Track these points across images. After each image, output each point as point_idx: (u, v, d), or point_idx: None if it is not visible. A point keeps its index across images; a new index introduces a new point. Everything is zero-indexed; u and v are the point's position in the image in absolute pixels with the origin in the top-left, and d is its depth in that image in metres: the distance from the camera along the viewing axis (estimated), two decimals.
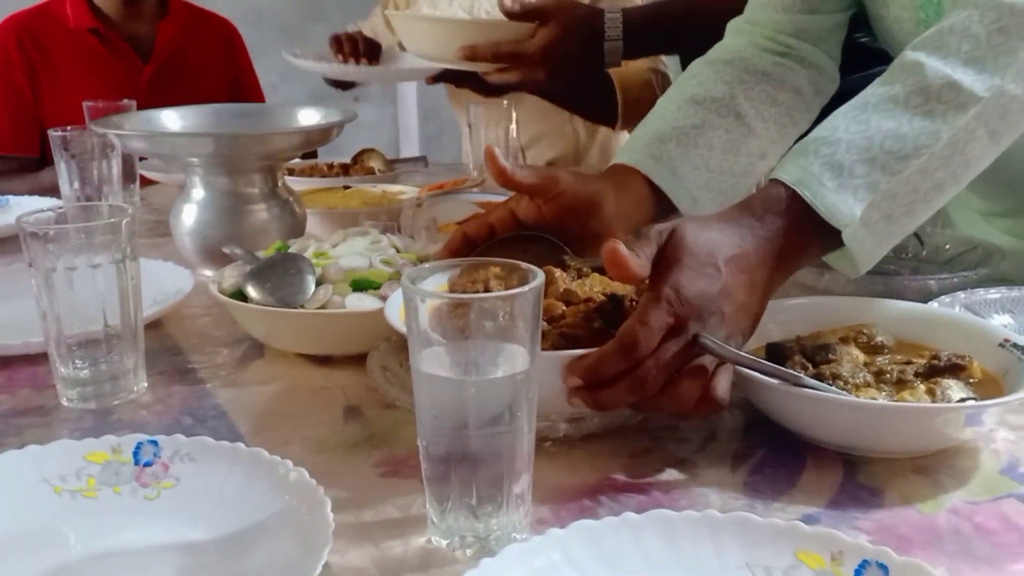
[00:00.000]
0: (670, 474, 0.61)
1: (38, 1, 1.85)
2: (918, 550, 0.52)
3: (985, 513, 0.56)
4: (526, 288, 0.50)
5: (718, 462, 0.62)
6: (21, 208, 1.31)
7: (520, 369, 0.52)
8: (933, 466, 0.61)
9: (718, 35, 0.97)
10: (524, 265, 0.54)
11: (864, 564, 0.47)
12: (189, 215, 1.01)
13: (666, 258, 0.59)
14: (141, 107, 1.18)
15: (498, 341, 0.52)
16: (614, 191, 0.78)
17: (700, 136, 0.82)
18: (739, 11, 0.97)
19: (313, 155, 1.72)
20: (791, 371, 0.61)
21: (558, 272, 0.70)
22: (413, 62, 1.39)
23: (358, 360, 0.75)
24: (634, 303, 0.69)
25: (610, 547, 0.49)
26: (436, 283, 0.58)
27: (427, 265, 0.56)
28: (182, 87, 1.80)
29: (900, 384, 0.64)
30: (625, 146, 0.87)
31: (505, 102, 1.43)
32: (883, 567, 0.47)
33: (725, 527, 0.50)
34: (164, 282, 0.93)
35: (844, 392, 0.61)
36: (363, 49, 1.50)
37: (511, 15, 1.10)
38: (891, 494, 0.58)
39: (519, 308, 0.51)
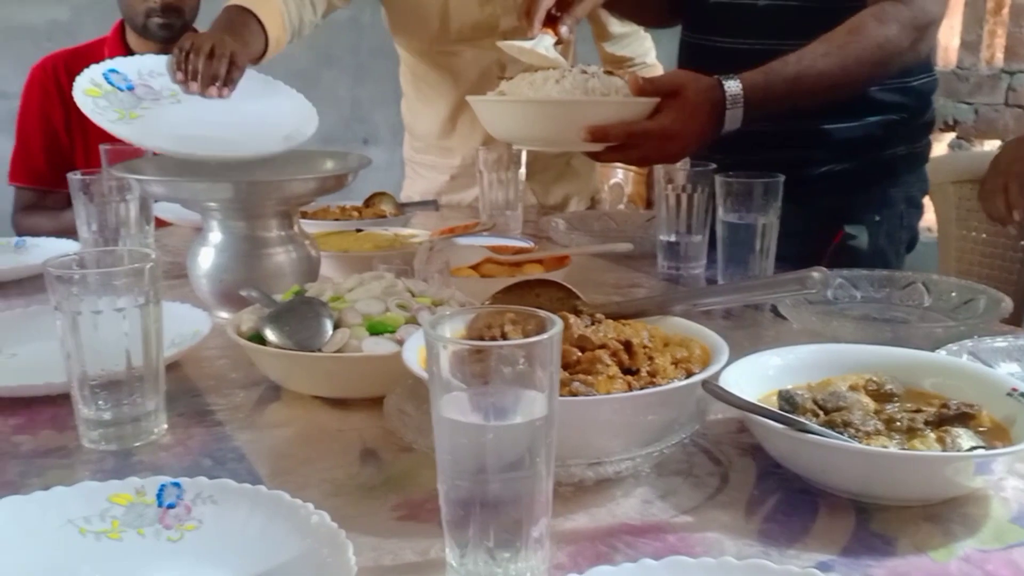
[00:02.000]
0: (684, 520, 0.62)
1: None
2: None
3: (996, 561, 0.56)
4: (545, 336, 0.52)
5: (732, 509, 0.63)
6: (38, 249, 1.33)
7: (539, 415, 0.53)
8: (944, 514, 0.61)
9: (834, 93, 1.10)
10: (541, 312, 0.55)
11: None
12: (206, 258, 1.03)
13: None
14: None
15: (517, 387, 0.53)
16: None
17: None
18: (848, 77, 1.10)
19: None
20: (800, 419, 0.62)
21: (572, 318, 0.72)
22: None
23: (374, 403, 0.76)
24: (647, 347, 0.70)
25: None
26: (454, 328, 0.60)
27: (447, 311, 0.57)
28: None
29: (910, 432, 0.65)
30: None
31: (514, 147, 1.46)
32: None
33: (741, 574, 0.51)
34: (181, 324, 0.94)
35: (854, 440, 0.62)
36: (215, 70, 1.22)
37: (643, 92, 1.04)
38: (903, 542, 0.59)
39: (538, 355, 0.52)
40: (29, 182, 1.93)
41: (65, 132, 1.89)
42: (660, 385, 0.66)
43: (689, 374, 0.67)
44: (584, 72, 1.08)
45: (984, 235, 1.66)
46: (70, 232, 1.29)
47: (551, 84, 1.07)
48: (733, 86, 1.05)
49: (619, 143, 1.04)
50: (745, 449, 0.71)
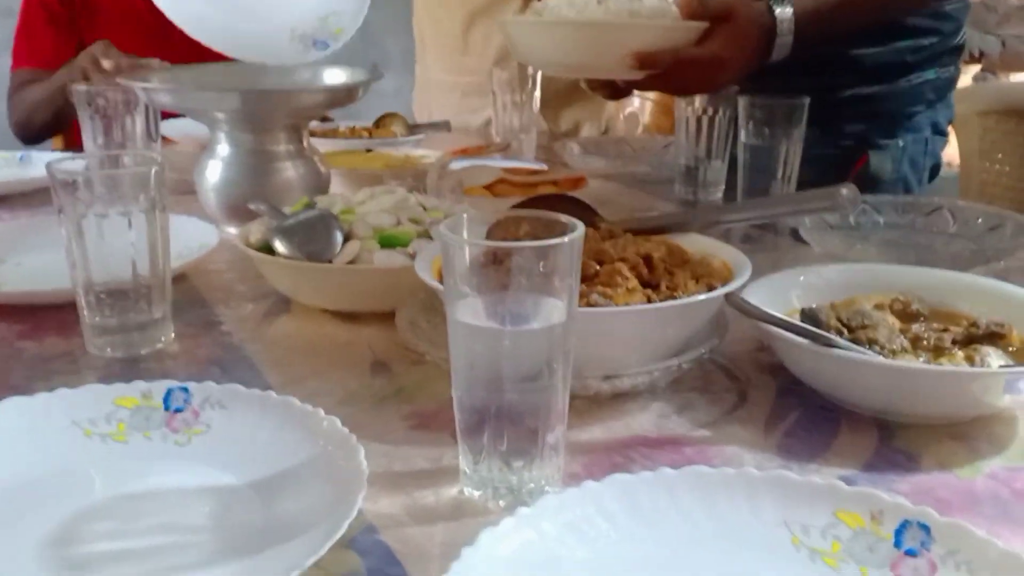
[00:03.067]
0: (702, 434, 0.61)
1: None
2: (956, 513, 0.51)
3: (1023, 479, 0.55)
4: (566, 238, 0.50)
5: (750, 424, 0.62)
6: (43, 163, 1.30)
7: (557, 322, 0.51)
8: (970, 433, 0.60)
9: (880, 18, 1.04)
10: (563, 218, 0.53)
11: (905, 524, 0.46)
12: (214, 172, 1.01)
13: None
14: (176, 63, 1.18)
15: (536, 294, 0.51)
16: None
17: None
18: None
19: (325, 119, 1.68)
20: (824, 332, 0.60)
21: (590, 232, 0.69)
22: None
23: (384, 317, 0.75)
24: (665, 263, 0.68)
25: (645, 502, 0.49)
26: (471, 235, 0.57)
27: (464, 217, 0.55)
28: None
29: (937, 351, 0.63)
30: None
31: (530, 68, 1.42)
32: (924, 527, 0.46)
33: (762, 485, 0.50)
34: (188, 237, 0.92)
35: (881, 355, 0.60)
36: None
37: (693, 15, 0.96)
38: (928, 459, 0.57)
39: (558, 259, 0.50)
40: (32, 63, 1.86)
41: (67, 9, 1.82)
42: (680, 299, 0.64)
43: (710, 289, 0.65)
44: None
45: (1008, 167, 1.62)
46: (61, 96, 1.24)
47: (593, 5, 0.98)
48: (785, 13, 0.98)
49: (664, 71, 0.95)
50: (764, 367, 0.70)
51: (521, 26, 1.01)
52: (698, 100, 1.17)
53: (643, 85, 1.00)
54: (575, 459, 0.57)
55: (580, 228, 0.51)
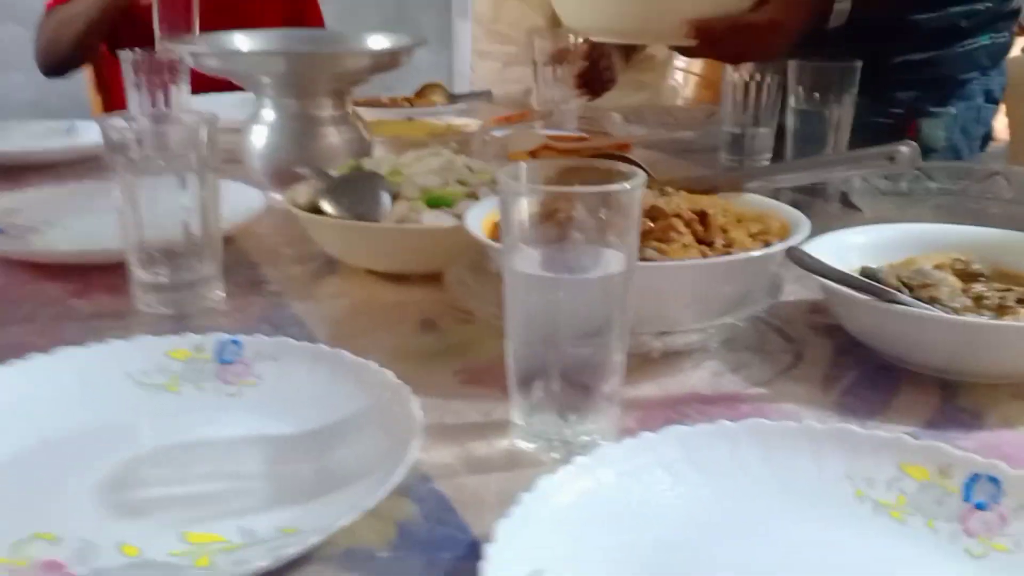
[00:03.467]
0: (758, 392, 0.59)
1: None
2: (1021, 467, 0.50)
3: None
4: (627, 185, 0.49)
5: (807, 383, 0.61)
6: (90, 133, 1.31)
7: (616, 271, 0.50)
8: None
9: None
10: (623, 167, 0.52)
11: (975, 478, 0.45)
12: (259, 137, 1.01)
13: None
14: (202, 28, 1.18)
15: (594, 245, 0.50)
16: None
17: None
18: None
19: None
20: (887, 288, 0.59)
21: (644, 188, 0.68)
22: None
23: (431, 279, 0.74)
24: (720, 220, 0.67)
25: (704, 453, 0.48)
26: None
27: (523, 165, 0.54)
28: (243, 9, 1.78)
29: (1001, 309, 0.61)
30: None
31: (572, 38, 1.40)
32: (995, 480, 0.45)
33: (824, 437, 0.48)
34: (236, 202, 0.92)
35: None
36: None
37: None
38: (992, 417, 0.56)
39: (619, 206, 0.49)
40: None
41: None
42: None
43: (767, 246, 0.64)
44: None
45: None
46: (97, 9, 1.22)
47: None
48: None
49: (718, 37, 0.91)
50: (819, 329, 0.68)
51: None
52: (746, 65, 1.14)
53: (696, 52, 0.97)
54: (629, 414, 0.56)
55: (641, 176, 0.50)
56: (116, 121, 0.71)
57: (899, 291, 0.62)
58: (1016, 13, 1.28)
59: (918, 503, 0.46)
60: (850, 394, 0.59)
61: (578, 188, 0.48)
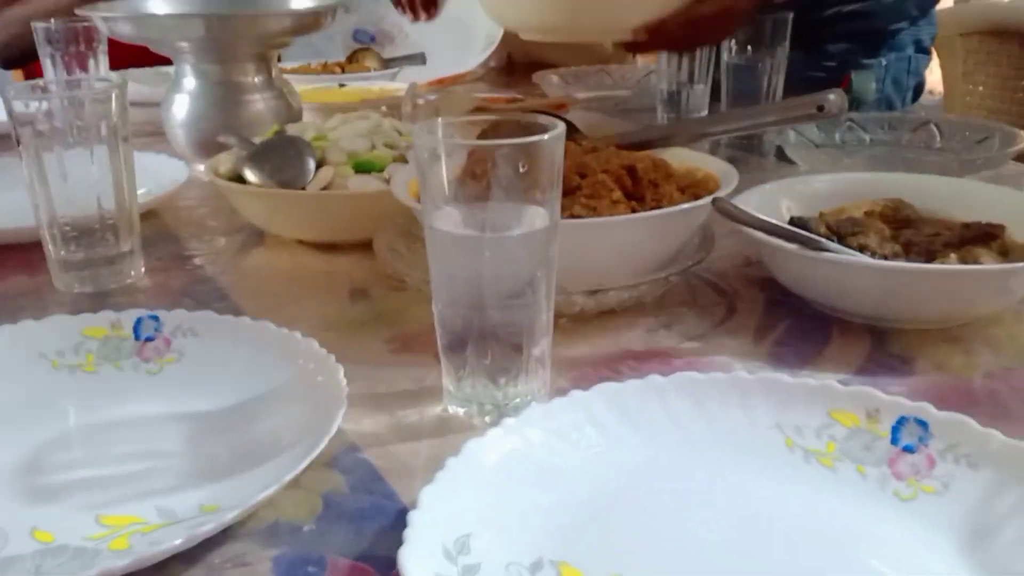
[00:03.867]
0: (691, 346, 0.59)
1: None
2: (954, 412, 0.50)
3: (1021, 378, 0.54)
4: (546, 136, 0.47)
5: (740, 335, 0.60)
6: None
7: (539, 227, 0.49)
8: (965, 335, 0.59)
9: None
10: (543, 119, 0.50)
11: (902, 420, 0.45)
12: (180, 107, 0.97)
13: None
14: None
15: (516, 202, 0.49)
16: None
17: None
18: None
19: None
20: (815, 237, 0.58)
21: (572, 145, 0.67)
22: None
23: (362, 247, 0.72)
24: (650, 175, 0.66)
25: (635, 408, 0.47)
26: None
27: (439, 121, 0.52)
28: None
29: (930, 254, 0.61)
30: None
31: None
32: (922, 423, 0.45)
33: (754, 388, 0.48)
34: (158, 174, 0.89)
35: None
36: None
37: None
38: (922, 362, 0.56)
39: (539, 158, 0.47)
40: None
41: None
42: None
43: (696, 199, 0.63)
44: None
45: (990, 89, 1.60)
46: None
47: None
48: None
49: (671, 33, 0.85)
50: (752, 281, 0.68)
51: None
52: None
53: (645, 47, 0.91)
54: (561, 375, 0.55)
55: (560, 127, 0.48)
56: (21, 91, 0.67)
57: (828, 239, 0.62)
58: None
59: (847, 449, 0.45)
60: (782, 344, 0.59)
61: (494, 141, 0.47)
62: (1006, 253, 0.61)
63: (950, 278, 0.56)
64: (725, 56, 1.07)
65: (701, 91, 1.17)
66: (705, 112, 1.18)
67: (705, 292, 0.67)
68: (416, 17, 1.29)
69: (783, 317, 0.62)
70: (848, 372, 0.55)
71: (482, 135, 0.56)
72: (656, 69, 1.23)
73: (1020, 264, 0.56)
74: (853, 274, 0.57)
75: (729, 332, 0.61)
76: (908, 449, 0.45)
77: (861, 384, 0.53)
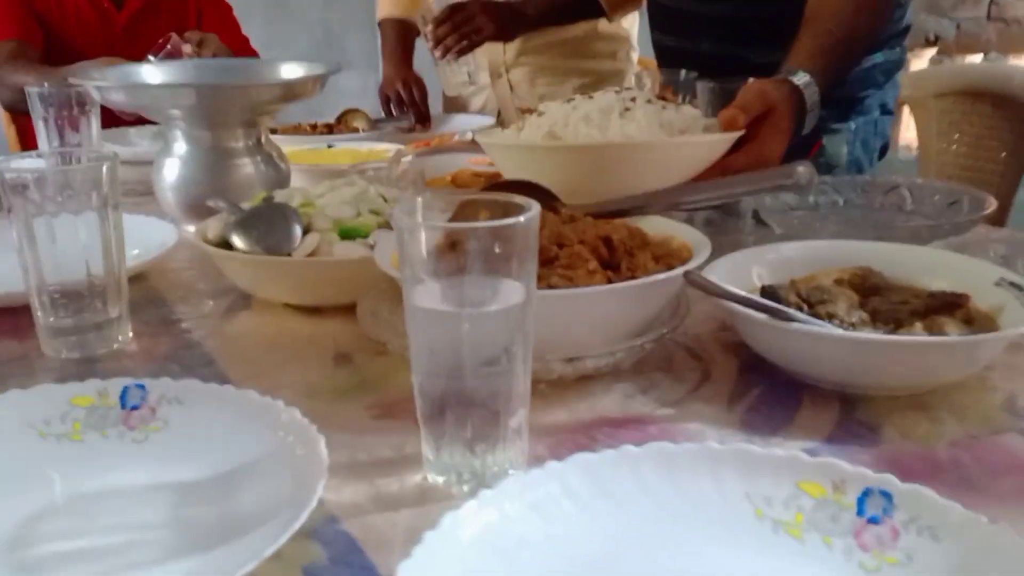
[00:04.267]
0: (666, 412, 0.60)
1: None
2: (919, 481, 0.51)
3: (985, 446, 0.55)
4: (521, 218, 0.49)
5: (714, 401, 0.62)
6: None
7: (516, 303, 0.51)
8: (931, 403, 0.60)
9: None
10: (518, 199, 0.52)
11: (867, 492, 0.46)
12: (171, 170, 0.99)
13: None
14: (117, 54, 1.16)
15: (493, 276, 0.51)
16: None
17: None
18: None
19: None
20: (784, 307, 0.60)
21: (550, 216, 0.69)
22: None
23: (346, 310, 0.74)
24: (625, 245, 0.68)
25: (609, 479, 0.49)
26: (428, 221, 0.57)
27: (418, 200, 0.54)
28: (159, 33, 1.76)
29: (897, 323, 0.63)
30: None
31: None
32: (886, 494, 0.46)
33: (725, 459, 0.50)
34: (147, 236, 0.91)
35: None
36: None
37: (736, 125, 0.86)
38: (889, 430, 0.57)
39: (514, 239, 0.49)
40: (8, 34, 1.82)
41: None
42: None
43: (669, 269, 0.65)
44: (649, 101, 0.88)
45: (965, 148, 1.64)
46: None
47: (615, 118, 0.84)
48: (811, 90, 0.93)
49: None
50: (727, 346, 0.70)
51: (539, 153, 0.83)
52: (657, 84, 1.17)
53: None
54: (539, 442, 0.57)
55: (535, 208, 0.50)
56: (13, 162, 0.69)
57: (799, 308, 0.64)
58: (907, 30, 1.33)
59: (814, 520, 0.47)
60: (754, 411, 0.60)
61: (471, 224, 0.49)
62: (970, 322, 0.63)
63: (913, 349, 0.58)
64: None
65: None
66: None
67: (681, 357, 0.69)
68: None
69: (756, 383, 0.64)
70: (818, 439, 0.56)
71: (460, 210, 0.58)
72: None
73: (979, 336, 0.58)
74: (819, 344, 0.59)
75: (704, 398, 0.62)
76: (873, 520, 0.46)
77: (831, 452, 0.55)
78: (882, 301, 0.66)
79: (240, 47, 1.93)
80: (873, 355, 0.58)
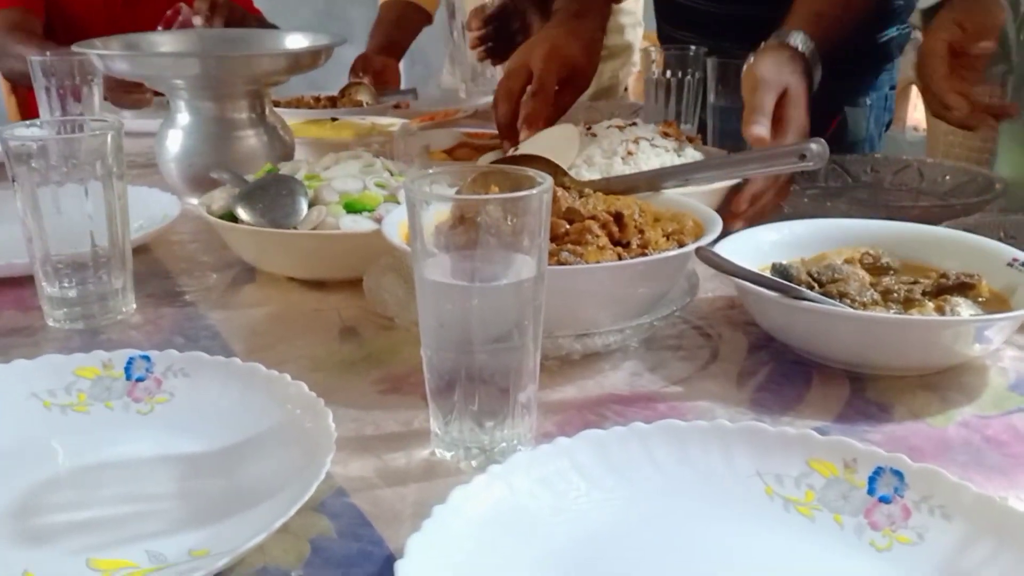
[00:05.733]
0: (675, 390, 0.60)
1: None
2: (929, 460, 0.51)
3: (995, 426, 0.55)
4: (534, 190, 0.49)
5: (723, 379, 0.61)
6: None
7: (526, 277, 0.50)
8: (941, 383, 0.60)
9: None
10: (531, 172, 0.52)
11: (879, 471, 0.46)
12: (175, 142, 0.98)
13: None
14: (119, 28, 1.15)
15: (504, 250, 0.50)
16: None
17: None
18: None
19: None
20: (795, 286, 0.60)
21: (560, 191, 0.68)
22: None
23: (352, 284, 0.73)
24: (636, 221, 0.67)
25: (618, 455, 0.48)
26: (438, 192, 0.56)
27: (431, 171, 0.54)
28: (162, 5, 1.74)
29: (908, 303, 0.63)
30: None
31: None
32: (898, 473, 0.46)
33: (735, 436, 0.49)
34: (150, 208, 0.90)
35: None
36: None
37: (764, 143, 0.83)
38: (900, 409, 0.57)
39: (526, 212, 0.49)
40: (10, 2, 1.79)
41: None
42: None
43: (680, 246, 0.65)
44: (652, 143, 0.88)
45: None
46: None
47: (618, 163, 0.85)
48: (808, 46, 0.91)
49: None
50: (736, 324, 0.69)
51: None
52: (665, 62, 1.16)
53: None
54: (548, 418, 0.56)
55: (548, 181, 0.50)
56: (17, 130, 0.68)
57: (809, 287, 0.64)
58: (913, 6, 1.32)
59: (825, 498, 0.47)
60: (764, 390, 0.60)
61: (483, 196, 0.48)
62: (982, 302, 0.63)
63: (924, 328, 0.57)
64: (711, 98, 1.09)
65: (688, 131, 1.19)
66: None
67: (690, 335, 0.68)
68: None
69: (766, 362, 0.63)
70: (828, 418, 0.56)
71: (471, 184, 0.57)
72: (644, 108, 1.25)
73: (991, 316, 0.58)
74: (830, 322, 0.58)
75: (712, 376, 0.62)
76: (884, 499, 0.46)
77: (840, 431, 0.54)
78: (893, 281, 0.66)
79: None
80: (884, 334, 0.58)
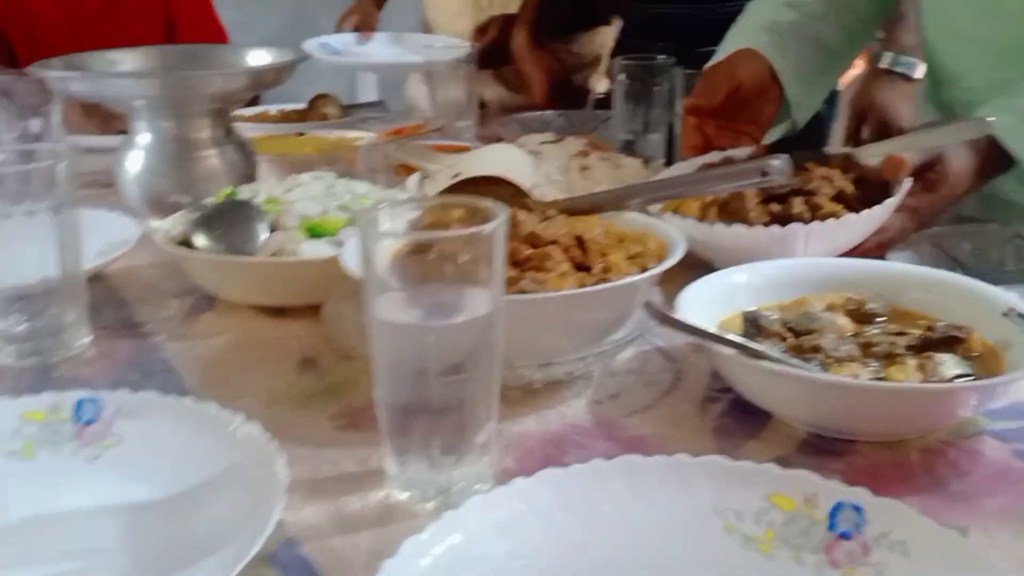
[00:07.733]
0: (637, 420, 0.59)
1: None
2: (892, 488, 0.50)
3: (959, 451, 0.55)
4: (489, 226, 0.48)
5: (686, 406, 0.61)
6: None
7: (482, 313, 0.49)
8: None
9: None
10: (488, 202, 0.51)
11: (838, 506, 0.45)
12: (134, 162, 0.96)
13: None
14: (86, 37, 1.12)
15: (459, 285, 0.49)
16: None
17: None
18: None
19: (255, 101, 1.61)
20: (749, 343, 0.56)
21: (522, 214, 0.67)
22: None
23: (313, 311, 0.72)
24: (600, 243, 0.66)
25: (578, 495, 0.47)
26: (394, 224, 0.55)
27: (384, 205, 0.53)
28: (130, 21, 1.72)
29: (889, 358, 0.58)
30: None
31: None
32: (858, 509, 0.45)
33: (696, 471, 0.48)
34: (108, 233, 0.88)
35: (822, 368, 0.57)
36: None
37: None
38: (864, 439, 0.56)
39: (482, 247, 0.48)
40: None
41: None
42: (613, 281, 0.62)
43: (644, 270, 0.64)
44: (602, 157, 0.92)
45: None
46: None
47: (576, 178, 0.88)
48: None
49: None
50: (699, 347, 0.68)
51: None
52: (635, 70, 1.15)
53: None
54: (509, 453, 0.55)
55: (502, 216, 0.49)
56: None
57: (782, 337, 0.61)
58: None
59: (785, 536, 0.46)
60: (727, 416, 0.59)
61: (436, 233, 0.47)
62: (974, 358, 0.59)
63: (883, 396, 0.54)
64: (678, 106, 1.08)
65: (657, 140, 1.19)
66: (662, 161, 1.19)
67: (653, 359, 0.67)
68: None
69: (729, 388, 0.63)
70: (790, 447, 0.55)
71: (428, 214, 0.56)
72: (613, 116, 1.24)
73: (968, 382, 0.55)
74: (787, 384, 0.55)
75: (675, 402, 0.61)
76: (844, 535, 0.45)
77: (803, 459, 0.54)
78: (878, 332, 0.61)
79: (212, 32, 1.89)
80: (841, 399, 0.54)
